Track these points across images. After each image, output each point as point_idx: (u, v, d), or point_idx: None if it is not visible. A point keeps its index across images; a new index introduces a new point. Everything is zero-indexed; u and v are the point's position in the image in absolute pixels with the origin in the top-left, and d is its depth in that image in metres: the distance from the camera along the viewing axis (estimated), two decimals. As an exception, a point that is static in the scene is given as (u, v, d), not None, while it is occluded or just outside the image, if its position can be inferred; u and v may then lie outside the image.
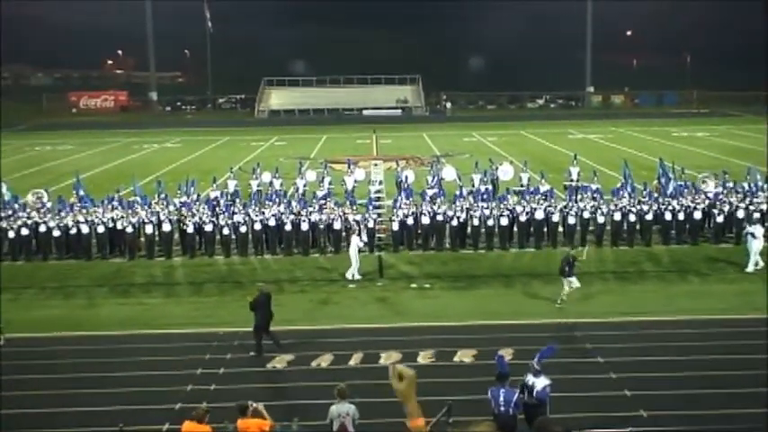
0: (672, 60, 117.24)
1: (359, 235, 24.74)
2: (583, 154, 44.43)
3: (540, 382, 12.55)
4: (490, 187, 31.49)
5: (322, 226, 26.66)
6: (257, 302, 18.02)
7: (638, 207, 27.08)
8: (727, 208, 27.20)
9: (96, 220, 26.77)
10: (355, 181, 33.91)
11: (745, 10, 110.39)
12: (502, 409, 12.23)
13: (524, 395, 12.73)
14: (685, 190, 28.45)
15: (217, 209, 27.66)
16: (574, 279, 20.58)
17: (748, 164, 34.95)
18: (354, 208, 27.46)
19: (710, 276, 23.26)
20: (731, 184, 29.07)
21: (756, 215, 26.28)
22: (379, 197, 31.40)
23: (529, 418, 12.48)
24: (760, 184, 29.23)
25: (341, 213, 26.76)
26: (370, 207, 28.26)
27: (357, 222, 26.70)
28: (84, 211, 27.26)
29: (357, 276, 23.83)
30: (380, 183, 34.56)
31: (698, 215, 26.95)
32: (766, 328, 18.41)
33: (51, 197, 30.51)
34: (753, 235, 23.66)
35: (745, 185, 29.01)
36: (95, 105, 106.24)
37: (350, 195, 29.69)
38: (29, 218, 26.99)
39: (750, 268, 23.47)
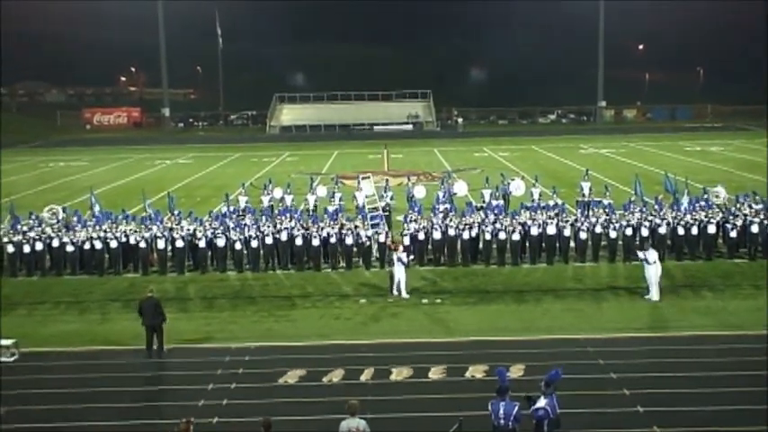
0: (685, 75, 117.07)
1: (405, 249, 24.34)
2: (594, 169, 44.41)
3: (539, 402, 12.60)
4: (502, 202, 31.46)
5: (333, 240, 26.66)
6: (141, 306, 19.17)
7: (651, 220, 26.97)
8: (740, 222, 27.05)
9: (109, 236, 26.92)
10: (366, 196, 33.92)
11: (758, 24, 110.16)
12: (502, 422, 12.36)
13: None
14: (698, 204, 28.30)
15: (230, 222, 27.77)
16: None
17: (762, 178, 34.69)
18: (366, 223, 27.44)
19: (725, 292, 23.09)
20: (747, 199, 28.70)
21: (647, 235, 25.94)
22: (375, 207, 31.00)
23: None
24: None
25: (352, 228, 26.75)
26: (381, 221, 28.21)
27: (369, 238, 26.73)
28: (97, 226, 27.47)
29: (405, 295, 23.33)
30: (392, 198, 34.44)
31: (711, 229, 26.79)
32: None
33: (67, 213, 30.64)
34: (646, 261, 22.40)
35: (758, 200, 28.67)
36: (109, 122, 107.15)
37: (362, 211, 29.69)
38: (43, 233, 27.16)
39: (654, 296, 22.30)
